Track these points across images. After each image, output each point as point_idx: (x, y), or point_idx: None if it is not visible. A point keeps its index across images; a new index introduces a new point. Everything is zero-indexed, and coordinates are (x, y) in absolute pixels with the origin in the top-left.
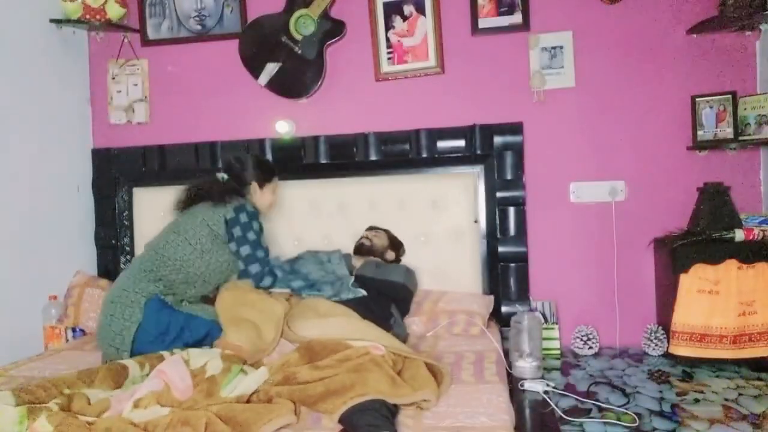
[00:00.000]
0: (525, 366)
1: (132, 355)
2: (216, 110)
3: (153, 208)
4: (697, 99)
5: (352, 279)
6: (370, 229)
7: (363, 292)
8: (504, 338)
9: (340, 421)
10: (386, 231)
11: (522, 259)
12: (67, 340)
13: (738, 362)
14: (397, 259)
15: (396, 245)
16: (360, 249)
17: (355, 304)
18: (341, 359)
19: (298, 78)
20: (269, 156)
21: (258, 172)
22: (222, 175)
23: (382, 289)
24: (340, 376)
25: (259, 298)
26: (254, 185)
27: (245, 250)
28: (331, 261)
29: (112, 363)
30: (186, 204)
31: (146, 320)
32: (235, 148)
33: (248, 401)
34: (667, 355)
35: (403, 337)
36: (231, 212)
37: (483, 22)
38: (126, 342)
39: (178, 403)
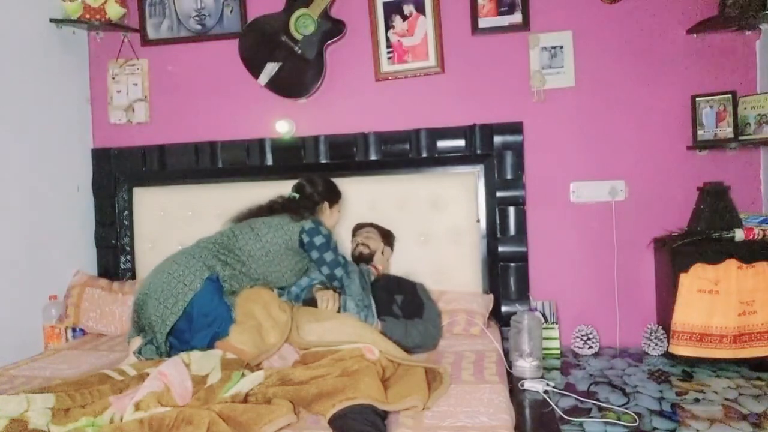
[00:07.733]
0: (525, 366)
1: (175, 325)
2: (216, 110)
3: (153, 208)
4: (697, 99)
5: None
6: (359, 227)
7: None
8: (504, 338)
9: (330, 423)
10: (372, 225)
11: (522, 259)
12: (67, 340)
13: (738, 362)
14: (389, 245)
15: (387, 237)
16: (361, 257)
17: None
18: (336, 359)
19: (298, 78)
20: (269, 156)
21: (329, 193)
22: (293, 195)
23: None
24: (333, 379)
25: (270, 299)
26: (325, 204)
27: (329, 255)
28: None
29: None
30: (263, 214)
31: (201, 295)
32: (235, 148)
33: (246, 402)
34: (667, 354)
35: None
36: (311, 223)
37: (483, 22)
38: (179, 306)
39: (178, 406)
